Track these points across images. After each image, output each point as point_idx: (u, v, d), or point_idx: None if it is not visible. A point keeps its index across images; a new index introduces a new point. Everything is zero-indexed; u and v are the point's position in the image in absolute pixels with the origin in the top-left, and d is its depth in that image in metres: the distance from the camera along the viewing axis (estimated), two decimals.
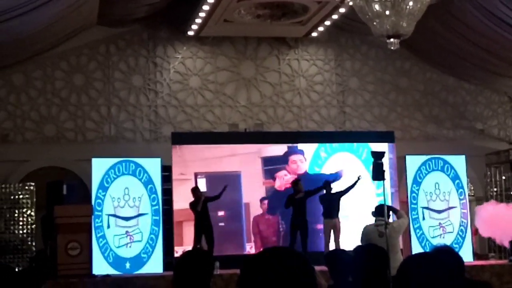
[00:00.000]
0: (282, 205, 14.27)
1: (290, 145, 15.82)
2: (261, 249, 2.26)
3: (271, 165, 15.74)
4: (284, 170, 15.61)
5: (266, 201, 15.50)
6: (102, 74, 16.72)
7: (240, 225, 15.55)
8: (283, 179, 15.44)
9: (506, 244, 14.05)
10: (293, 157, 15.81)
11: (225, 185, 13.92)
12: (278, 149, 15.85)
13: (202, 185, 14.84)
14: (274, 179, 15.50)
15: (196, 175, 15.19)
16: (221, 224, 14.99)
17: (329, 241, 13.62)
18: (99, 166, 13.73)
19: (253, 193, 15.59)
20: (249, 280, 2.16)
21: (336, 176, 15.09)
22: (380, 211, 9.54)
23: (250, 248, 15.13)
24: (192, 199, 13.77)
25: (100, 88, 16.66)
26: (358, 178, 13.74)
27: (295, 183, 14.17)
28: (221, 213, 15.04)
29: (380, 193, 12.39)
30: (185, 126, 16.92)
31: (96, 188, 13.55)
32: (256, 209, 15.47)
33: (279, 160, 15.71)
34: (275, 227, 15.51)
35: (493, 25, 14.35)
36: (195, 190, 13.89)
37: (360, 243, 8.50)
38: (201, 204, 13.56)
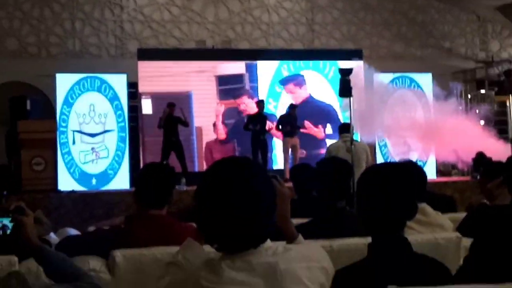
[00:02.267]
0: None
1: (248, 62, 15.19)
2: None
3: (228, 85, 14.81)
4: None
5: (221, 126, 14.71)
6: None
7: (191, 152, 14.47)
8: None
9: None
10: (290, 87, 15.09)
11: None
12: (235, 67, 15.02)
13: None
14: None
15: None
16: None
17: (288, 158, 13.65)
18: (64, 82, 13.49)
19: (205, 116, 14.67)
20: (204, 191, 2.14)
21: None
22: (345, 128, 9.58)
23: None
24: None
25: (64, 2, 16.21)
26: None
27: (260, 103, 13.92)
28: None
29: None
30: (151, 42, 16.60)
31: (61, 104, 13.35)
32: (209, 135, 14.69)
33: (236, 79, 14.88)
34: (231, 155, 14.37)
35: None
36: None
37: None
38: (163, 121, 13.34)
